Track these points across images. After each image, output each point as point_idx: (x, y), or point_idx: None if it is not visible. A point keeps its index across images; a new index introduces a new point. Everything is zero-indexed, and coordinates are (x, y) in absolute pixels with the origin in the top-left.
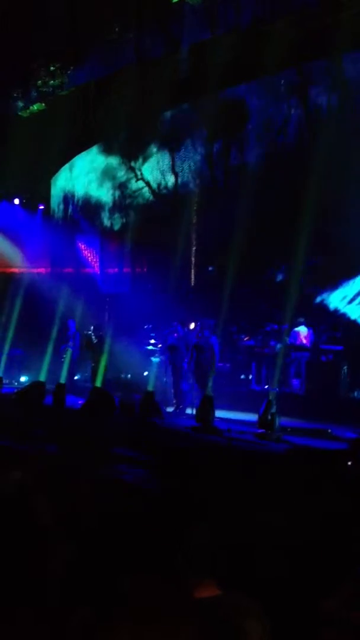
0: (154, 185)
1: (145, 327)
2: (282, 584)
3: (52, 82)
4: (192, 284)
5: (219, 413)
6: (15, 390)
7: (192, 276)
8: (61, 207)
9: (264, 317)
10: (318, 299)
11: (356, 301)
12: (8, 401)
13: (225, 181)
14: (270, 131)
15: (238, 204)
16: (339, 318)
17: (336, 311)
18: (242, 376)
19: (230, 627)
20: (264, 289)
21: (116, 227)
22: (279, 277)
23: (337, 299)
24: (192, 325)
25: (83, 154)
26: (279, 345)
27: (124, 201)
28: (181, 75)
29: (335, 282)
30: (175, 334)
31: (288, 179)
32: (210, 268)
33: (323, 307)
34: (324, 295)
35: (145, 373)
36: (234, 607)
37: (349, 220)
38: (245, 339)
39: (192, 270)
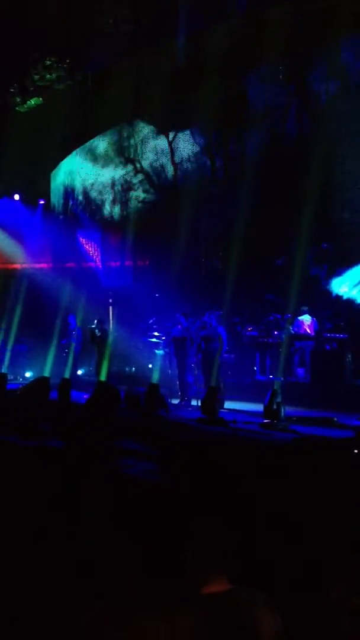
0: (154, 177)
1: (150, 320)
2: (293, 576)
3: (48, 76)
4: (194, 276)
5: (225, 404)
6: (20, 386)
7: (194, 268)
8: (61, 201)
9: (268, 307)
10: (323, 286)
11: None
12: (13, 397)
13: (226, 171)
14: (270, 119)
15: (239, 194)
16: (343, 304)
17: (340, 297)
18: (247, 367)
19: (241, 622)
20: (267, 278)
21: (117, 220)
22: (283, 266)
23: (342, 285)
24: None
25: (82, 147)
26: (283, 335)
27: (123, 194)
28: (179, 65)
29: (341, 268)
30: (179, 326)
31: (289, 167)
32: (212, 259)
33: (328, 293)
34: (330, 282)
35: (150, 366)
36: (245, 602)
37: (353, 206)
38: (249, 329)
39: (194, 262)
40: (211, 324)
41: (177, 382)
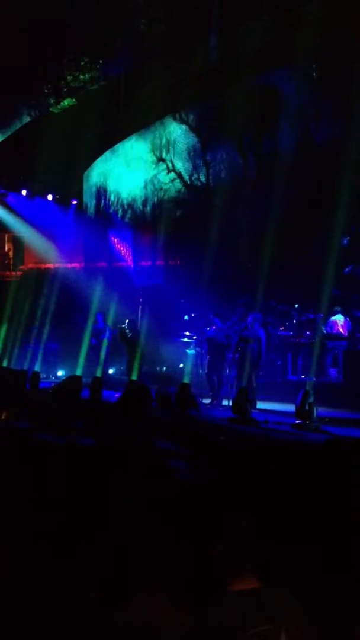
0: (186, 177)
1: (182, 319)
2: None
3: (82, 76)
4: (226, 275)
5: (256, 404)
6: (53, 385)
7: (226, 267)
8: (93, 201)
9: (300, 306)
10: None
11: None
12: (46, 395)
13: (258, 170)
14: (303, 117)
15: (271, 193)
16: None
17: None
18: (279, 366)
19: (269, 620)
20: (299, 277)
21: (148, 220)
22: (317, 265)
23: None
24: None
25: (114, 147)
26: (315, 335)
27: (155, 193)
28: (211, 64)
29: None
30: (214, 327)
31: (322, 166)
32: (244, 258)
33: None
34: None
35: (181, 365)
36: (273, 601)
37: None
38: (280, 329)
39: (226, 261)
40: (253, 325)
41: (208, 382)
